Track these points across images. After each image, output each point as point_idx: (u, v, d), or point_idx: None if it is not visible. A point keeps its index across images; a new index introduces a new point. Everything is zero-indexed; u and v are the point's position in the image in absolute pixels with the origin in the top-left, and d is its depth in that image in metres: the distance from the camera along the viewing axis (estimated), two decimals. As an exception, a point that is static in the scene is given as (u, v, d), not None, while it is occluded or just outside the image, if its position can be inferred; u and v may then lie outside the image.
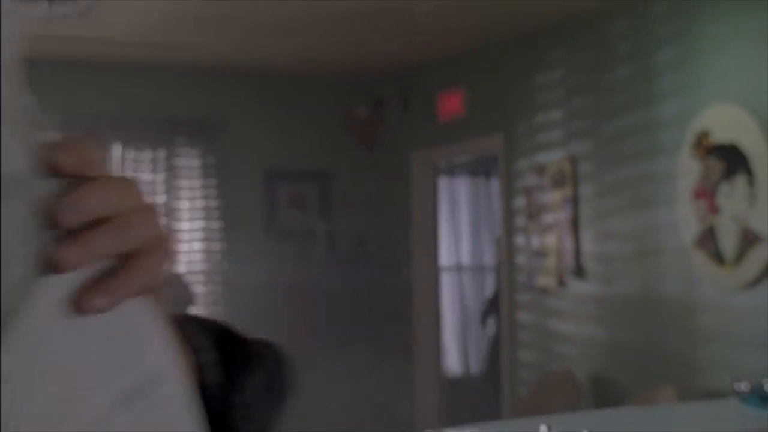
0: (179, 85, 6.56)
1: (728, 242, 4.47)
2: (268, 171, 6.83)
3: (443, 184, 7.35)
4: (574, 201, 5.39)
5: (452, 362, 7.48)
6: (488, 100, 6.08)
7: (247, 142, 6.73)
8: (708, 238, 4.57)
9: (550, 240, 5.54)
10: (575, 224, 5.38)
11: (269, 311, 6.46)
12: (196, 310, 6.34)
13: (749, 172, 4.38)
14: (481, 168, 7.47)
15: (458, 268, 7.65)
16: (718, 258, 4.51)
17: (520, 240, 5.82)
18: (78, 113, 6.05)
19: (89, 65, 6.14)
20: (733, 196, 4.47)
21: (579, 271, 5.35)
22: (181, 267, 6.54)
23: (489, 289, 7.48)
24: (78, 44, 5.63)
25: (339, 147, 6.94)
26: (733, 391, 1.93)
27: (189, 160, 6.66)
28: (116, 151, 6.41)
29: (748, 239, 4.36)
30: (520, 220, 5.83)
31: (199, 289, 6.50)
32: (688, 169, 4.67)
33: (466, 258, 7.68)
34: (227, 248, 6.66)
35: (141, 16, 5.26)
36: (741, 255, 4.39)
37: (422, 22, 5.47)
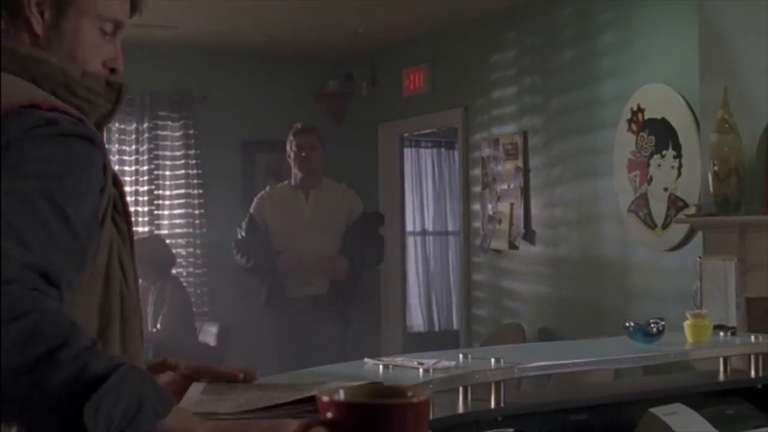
0: (162, 62, 6.90)
1: (658, 209, 4.93)
2: (245, 141, 7.23)
3: (409, 154, 7.81)
4: (525, 171, 5.85)
5: (416, 319, 7.97)
6: (449, 77, 6.54)
7: (225, 115, 7.10)
8: (641, 206, 5.05)
9: (504, 206, 6.01)
10: (526, 192, 5.85)
11: (247, 274, 6.85)
12: (176, 270, 6.76)
13: (677, 146, 4.85)
14: (443, 140, 7.92)
15: (423, 233, 8.13)
16: (650, 223, 4.99)
17: (476, 206, 6.31)
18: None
19: None
20: (663, 167, 4.94)
21: (529, 235, 5.83)
22: (164, 230, 6.97)
23: (452, 253, 7.96)
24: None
25: (311, 119, 7.29)
26: (624, 328, 2.43)
27: (171, 132, 7.02)
28: (103, 122, 6.81)
29: (676, 206, 4.84)
30: (476, 188, 6.30)
31: (180, 251, 6.91)
32: (624, 143, 5.13)
33: (429, 224, 8.13)
34: (207, 213, 7.04)
35: (127, -2, 5.64)
36: (669, 221, 4.87)
37: (388, 5, 5.88)
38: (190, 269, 6.99)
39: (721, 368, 2.48)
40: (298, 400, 1.10)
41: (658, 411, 2.15)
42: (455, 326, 7.52)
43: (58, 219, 1.18)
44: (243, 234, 5.31)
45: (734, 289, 2.54)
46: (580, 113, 5.48)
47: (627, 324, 2.37)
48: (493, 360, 2.00)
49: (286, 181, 5.46)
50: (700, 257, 2.65)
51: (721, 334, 2.52)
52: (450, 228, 8.03)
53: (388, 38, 6.80)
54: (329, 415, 0.79)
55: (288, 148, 5.33)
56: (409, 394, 0.83)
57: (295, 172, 5.32)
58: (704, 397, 2.34)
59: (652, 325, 2.33)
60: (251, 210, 5.39)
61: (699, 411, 2.22)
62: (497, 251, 6.08)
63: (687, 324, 2.40)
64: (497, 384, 1.99)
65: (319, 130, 5.46)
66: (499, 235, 6.04)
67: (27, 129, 1.22)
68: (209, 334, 6.16)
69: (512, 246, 5.93)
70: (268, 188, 5.59)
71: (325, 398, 0.80)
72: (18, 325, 1.03)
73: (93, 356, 1.05)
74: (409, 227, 7.74)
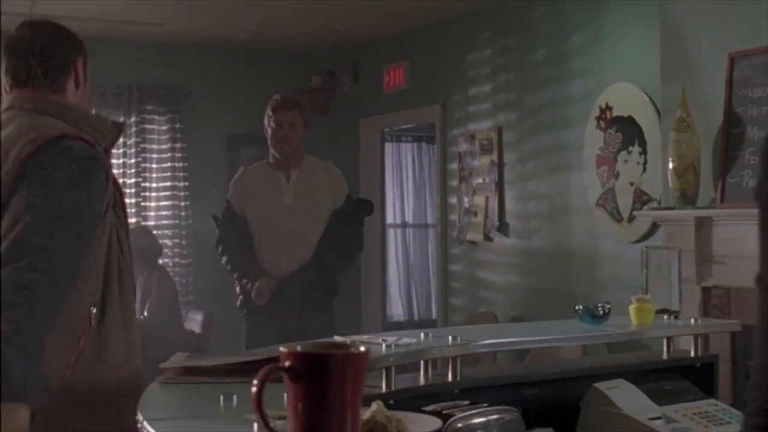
0: (149, 57, 7.09)
1: (624, 203, 5.16)
2: (230, 135, 7.42)
3: (390, 148, 8.02)
4: (500, 166, 6.07)
5: (396, 309, 8.18)
6: (427, 74, 6.75)
7: (211, 109, 7.29)
8: (609, 199, 5.27)
9: (479, 200, 6.23)
10: (500, 186, 6.07)
11: None
12: (163, 260, 6.95)
13: (643, 143, 5.07)
14: (423, 134, 8.12)
15: (403, 225, 8.34)
16: (616, 216, 5.22)
17: (453, 199, 6.53)
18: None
19: None
20: (629, 162, 5.16)
21: (503, 227, 6.05)
22: (151, 221, 7.16)
23: (431, 245, 8.17)
24: (58, 21, 6.18)
25: (295, 114, 7.54)
26: (574, 311, 2.65)
27: (158, 126, 7.22)
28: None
29: (641, 200, 5.06)
30: (453, 182, 6.52)
31: (166, 241, 7.11)
32: (593, 139, 5.35)
33: (409, 216, 8.34)
34: (193, 205, 7.21)
35: (115, -3, 5.85)
36: (634, 214, 5.09)
37: (369, 4, 6.09)
38: (176, 259, 7.18)
39: (665, 348, 2.71)
40: (266, 359, 1.31)
41: (602, 386, 2.37)
42: (434, 315, 7.74)
43: (74, 216, 1.87)
44: (221, 226, 4.68)
45: (677, 277, 2.76)
46: (552, 110, 5.69)
47: (576, 307, 2.60)
48: (450, 338, 2.22)
49: (263, 160, 4.71)
50: (646, 247, 2.88)
51: (665, 317, 2.75)
52: (429, 220, 8.23)
53: (369, 36, 7.00)
54: (287, 363, 1.01)
55: (265, 122, 4.60)
56: (351, 348, 1.04)
57: (273, 152, 4.60)
58: (646, 374, 2.56)
59: (599, 308, 2.55)
60: (228, 196, 4.70)
61: (640, 386, 2.43)
62: (473, 243, 6.30)
63: (631, 307, 2.63)
64: (454, 359, 2.20)
65: (303, 104, 4.73)
66: (474, 227, 6.25)
67: (55, 154, 1.90)
68: (194, 322, 6.37)
69: (487, 238, 6.14)
70: (242, 169, 4.82)
71: (283, 349, 1.01)
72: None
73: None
74: (389, 219, 7.96)
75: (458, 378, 2.21)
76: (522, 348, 2.37)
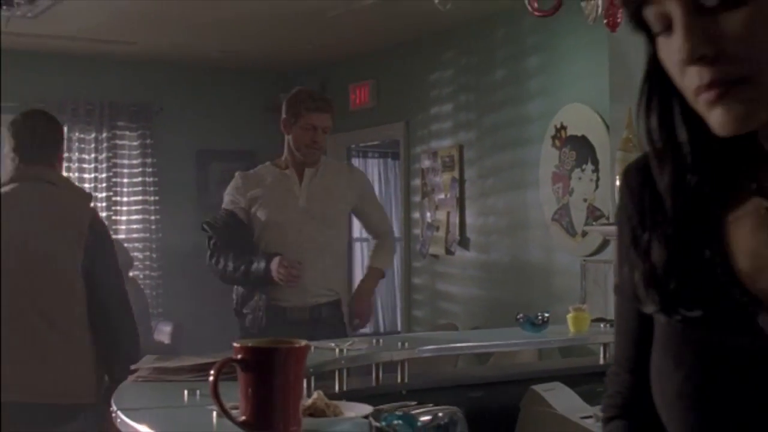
0: (121, 74, 7.24)
1: (578, 218, 5.37)
2: (199, 151, 7.58)
3: (356, 164, 8.21)
4: (461, 182, 6.28)
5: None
6: (392, 93, 6.97)
7: (181, 126, 7.44)
8: (563, 215, 5.49)
9: (441, 215, 6.44)
10: (461, 202, 6.27)
11: (199, 275, 7.18)
12: (133, 272, 7.10)
13: (595, 161, 5.30)
14: (389, 150, 8.33)
15: (369, 239, 8.51)
16: (571, 231, 5.44)
17: (416, 214, 6.74)
18: (30, 98, 6.76)
19: (41, 56, 6.76)
20: (582, 180, 5.39)
21: (464, 242, 6.26)
22: (121, 235, 7.30)
23: (396, 258, 8.35)
24: (33, 39, 6.33)
25: (263, 129, 7.65)
26: (516, 320, 2.86)
27: (129, 141, 7.37)
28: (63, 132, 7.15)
29: (593, 216, 5.28)
30: (417, 198, 6.73)
31: (137, 254, 7.26)
32: (549, 157, 5.58)
33: (376, 230, 8.51)
34: (163, 219, 7.36)
35: (89, 16, 5.96)
36: (585, 229, 5.31)
37: (333, 25, 6.29)
38: (147, 272, 7.33)
39: (601, 354, 2.93)
40: (226, 359, 1.51)
41: (539, 388, 2.58)
42: (399, 327, 7.93)
43: None
44: (216, 235, 3.98)
45: (613, 288, 2.97)
46: (510, 129, 5.91)
47: (518, 316, 2.81)
48: (399, 343, 2.42)
49: (267, 162, 4.15)
50: (584, 260, 3.09)
51: (602, 325, 2.97)
52: (396, 234, 8.40)
53: (336, 56, 7.20)
54: (239, 356, 1.20)
55: (289, 118, 4.00)
56: (294, 343, 1.24)
57: (295, 154, 3.97)
58: (582, 377, 2.77)
59: (539, 317, 2.76)
60: (226, 205, 4.03)
61: (575, 389, 2.65)
62: (435, 256, 6.50)
63: (569, 316, 2.84)
64: (402, 363, 2.41)
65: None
66: (436, 242, 6.46)
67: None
68: (163, 333, 6.53)
69: (448, 251, 6.35)
70: (239, 176, 4.13)
71: (236, 344, 1.21)
72: None
73: None
74: (356, 234, 8.14)
75: (406, 380, 2.42)
76: (462, 353, 2.58)
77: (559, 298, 5.46)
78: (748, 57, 0.82)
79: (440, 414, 1.18)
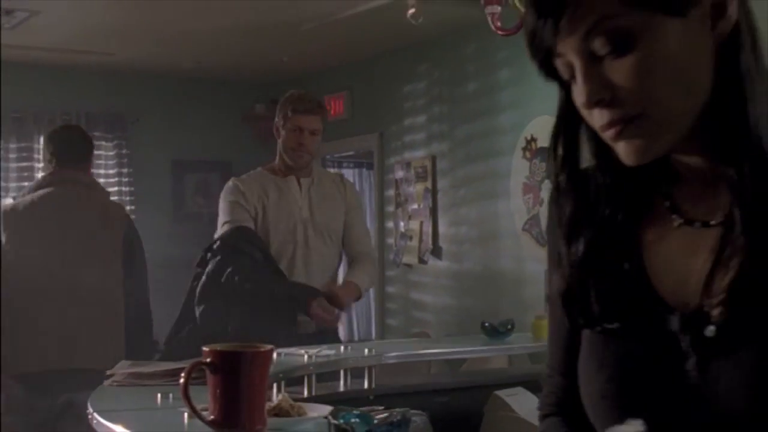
0: (97, 85, 7.29)
1: (548, 228, 5.50)
2: (175, 161, 7.64)
3: (331, 174, 8.29)
4: (434, 192, 6.38)
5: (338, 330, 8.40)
6: (366, 104, 7.06)
7: (157, 136, 7.50)
8: (533, 225, 5.60)
9: (414, 224, 6.54)
10: (434, 212, 6.37)
11: (176, 285, 7.23)
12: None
13: (564, 172, 5.41)
14: (365, 161, 8.41)
15: (344, 248, 8.58)
16: (541, 241, 5.53)
17: (390, 224, 6.83)
18: (6, 108, 6.82)
19: (18, 66, 6.74)
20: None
21: (436, 251, 6.35)
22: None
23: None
24: (10, 50, 6.36)
25: (238, 140, 7.76)
26: (482, 328, 2.96)
27: (105, 152, 7.40)
28: (39, 142, 7.17)
29: (563, 226, 5.39)
30: (390, 208, 6.82)
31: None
32: (519, 169, 5.69)
33: (350, 239, 8.58)
34: (138, 228, 7.35)
35: (66, 27, 6.03)
36: (555, 238, 5.41)
37: (308, 38, 6.38)
38: (122, 281, 7.36)
39: (564, 361, 3.02)
40: (196, 362, 1.59)
41: (502, 393, 2.67)
42: (373, 336, 8.01)
43: None
44: (234, 253, 3.66)
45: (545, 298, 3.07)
46: (482, 141, 6.01)
47: (484, 324, 2.90)
48: (366, 350, 2.51)
49: (259, 168, 3.96)
50: (546, 269, 3.19)
51: (565, 333, 3.06)
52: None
53: (310, 67, 7.29)
54: (208, 359, 1.28)
55: (279, 121, 3.89)
56: (259, 347, 1.32)
57: (285, 159, 3.86)
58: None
59: (502, 326, 2.86)
60: (229, 216, 3.78)
61: (537, 394, 2.74)
62: (408, 265, 6.59)
63: (532, 323, 2.94)
64: (369, 369, 2.50)
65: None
66: (409, 251, 6.55)
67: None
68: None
69: (421, 261, 6.44)
70: (239, 183, 3.88)
71: (206, 348, 1.29)
72: None
73: None
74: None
75: (373, 386, 2.50)
76: (425, 359, 2.67)
77: (530, 306, 5.54)
78: (639, 97, 0.93)
79: (394, 412, 1.26)
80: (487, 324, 2.91)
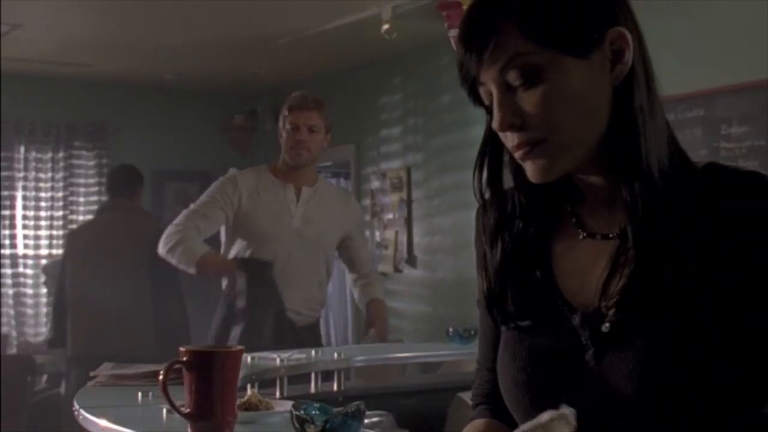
0: (78, 95, 7.40)
1: (519, 237, 5.66)
2: (156, 171, 7.72)
3: (309, 184, 8.41)
4: (409, 202, 6.52)
5: (314, 337, 8.53)
6: (342, 115, 7.15)
7: (137, 146, 7.56)
8: (505, 234, 5.76)
9: (390, 234, 6.68)
10: (409, 221, 6.51)
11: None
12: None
13: (535, 183, 5.57)
14: (342, 171, 8.55)
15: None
16: (512, 250, 5.71)
17: (366, 233, 6.95)
18: (-12, 119, 6.93)
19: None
20: (523, 201, 5.66)
21: (411, 260, 6.49)
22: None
23: (347, 276, 8.55)
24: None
25: (217, 150, 7.86)
26: (446, 334, 3.10)
27: (85, 161, 7.52)
28: (20, 152, 7.30)
29: (533, 235, 5.56)
30: (366, 217, 6.95)
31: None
32: (491, 179, 5.85)
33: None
34: (118, 237, 7.54)
35: (47, 40, 6.14)
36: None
37: (285, 51, 6.52)
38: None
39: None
40: (174, 360, 1.72)
41: (465, 395, 2.81)
42: (350, 342, 8.13)
43: None
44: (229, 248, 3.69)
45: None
46: (455, 152, 6.15)
47: (448, 330, 3.05)
48: (335, 354, 2.65)
49: (264, 165, 3.98)
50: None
51: (527, 338, 3.21)
52: (347, 252, 8.60)
53: (288, 79, 7.41)
54: (184, 358, 1.42)
55: (280, 124, 3.87)
56: (230, 348, 1.46)
57: (286, 161, 3.83)
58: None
59: (466, 331, 3.00)
60: (201, 207, 3.74)
61: (500, 396, 2.89)
62: (384, 274, 6.71)
63: (496, 329, 3.08)
64: (338, 372, 2.63)
65: (325, 105, 4.04)
66: (385, 260, 6.69)
67: None
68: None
69: (397, 269, 6.58)
70: (237, 174, 3.91)
71: (182, 348, 1.42)
72: None
73: None
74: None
75: (342, 388, 2.64)
76: (391, 363, 2.82)
77: (501, 314, 5.72)
78: (543, 124, 1.09)
79: (351, 405, 1.40)
80: (450, 330, 3.06)
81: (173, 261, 3.64)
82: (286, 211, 3.71)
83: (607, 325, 1.11)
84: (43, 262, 7.17)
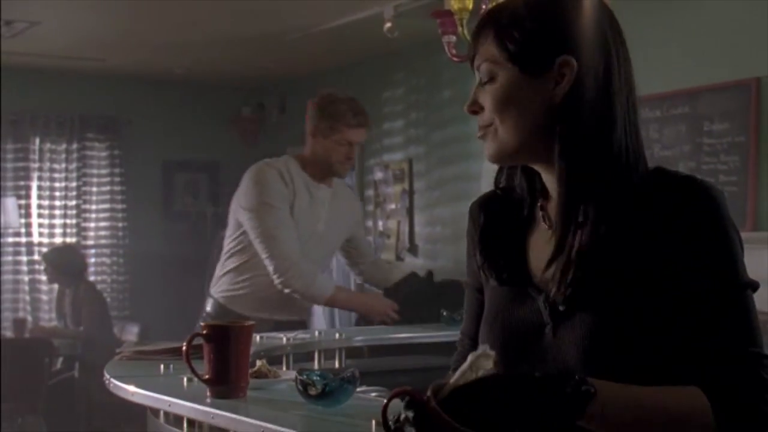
0: (90, 89, 7.60)
1: (515, 227, 5.86)
2: (166, 162, 7.96)
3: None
4: (410, 193, 6.73)
5: (319, 323, 8.72)
6: (347, 109, 7.39)
7: (148, 137, 7.80)
8: (502, 224, 5.97)
9: (392, 224, 6.89)
10: (411, 212, 6.71)
11: (165, 280, 7.51)
12: (101, 277, 7.50)
13: (531, 175, 5.77)
14: (346, 162, 8.74)
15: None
16: (509, 239, 5.91)
17: (369, 223, 7.18)
18: (5, 112, 7.14)
19: (16, 72, 7.08)
20: (520, 192, 5.86)
21: (412, 249, 6.70)
22: (90, 241, 7.68)
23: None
24: (9, 56, 6.67)
25: (226, 142, 8.06)
26: (441, 317, 3.32)
27: (98, 152, 7.74)
28: (35, 143, 7.51)
29: (529, 225, 5.76)
30: (370, 207, 7.18)
31: (105, 259, 7.65)
32: (491, 171, 6.03)
33: (332, 237, 8.92)
34: (130, 226, 7.71)
35: (62, 36, 6.35)
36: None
37: (293, 47, 6.73)
38: (114, 276, 7.70)
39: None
40: (195, 333, 1.96)
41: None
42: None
43: None
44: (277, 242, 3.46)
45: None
46: (456, 145, 6.35)
47: (442, 313, 3.28)
48: (336, 334, 2.88)
49: (292, 158, 3.72)
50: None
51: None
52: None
53: (295, 72, 7.63)
54: (204, 331, 1.66)
55: (322, 127, 3.68)
56: (244, 323, 1.70)
57: (323, 167, 3.64)
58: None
59: (459, 314, 3.23)
60: (276, 202, 3.51)
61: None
62: (386, 262, 6.94)
63: (487, 313, 3.31)
64: (340, 350, 2.87)
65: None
66: (387, 249, 6.91)
67: None
68: (131, 333, 6.90)
69: (398, 258, 6.79)
70: (276, 173, 3.61)
71: (202, 323, 1.66)
72: None
73: None
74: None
75: (343, 365, 2.87)
76: (387, 343, 3.05)
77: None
78: (492, 112, 1.38)
79: (347, 370, 1.64)
80: (445, 313, 3.28)
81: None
82: (317, 216, 3.60)
83: (563, 307, 1.34)
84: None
